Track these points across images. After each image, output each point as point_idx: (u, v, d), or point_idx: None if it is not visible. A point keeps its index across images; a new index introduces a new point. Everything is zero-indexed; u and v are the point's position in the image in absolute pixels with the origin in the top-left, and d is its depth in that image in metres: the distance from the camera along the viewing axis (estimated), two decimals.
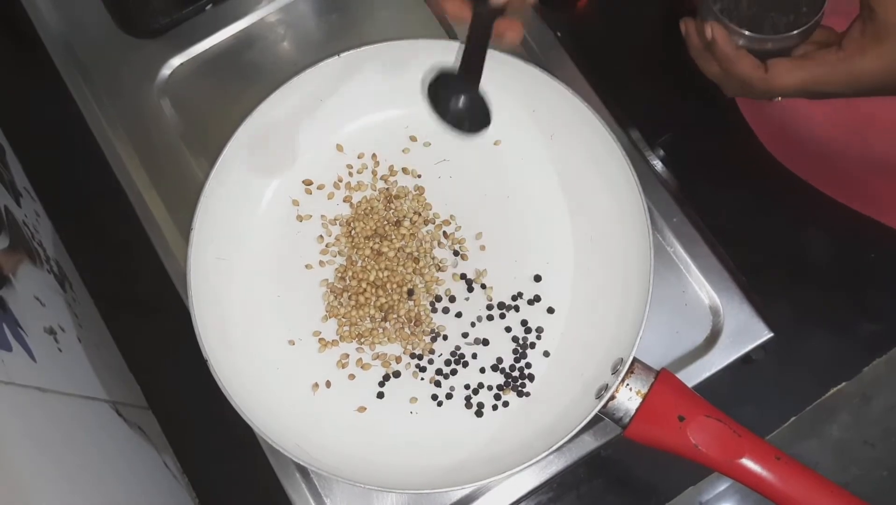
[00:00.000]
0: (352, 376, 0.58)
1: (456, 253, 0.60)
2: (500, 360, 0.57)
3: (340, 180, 0.62)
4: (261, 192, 0.61)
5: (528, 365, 0.57)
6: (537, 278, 0.59)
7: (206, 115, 0.64)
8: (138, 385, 0.63)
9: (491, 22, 0.48)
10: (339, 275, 0.59)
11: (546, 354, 0.57)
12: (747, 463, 0.48)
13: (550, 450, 0.50)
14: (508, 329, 0.58)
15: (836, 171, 0.60)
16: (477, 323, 0.58)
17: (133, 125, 0.64)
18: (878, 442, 0.98)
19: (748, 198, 0.63)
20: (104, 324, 0.64)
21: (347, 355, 0.58)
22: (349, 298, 0.59)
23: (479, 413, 0.57)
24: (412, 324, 0.58)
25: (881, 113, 0.58)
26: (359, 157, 0.62)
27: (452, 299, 0.59)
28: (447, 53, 0.59)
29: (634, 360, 0.52)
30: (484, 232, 0.60)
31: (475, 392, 0.57)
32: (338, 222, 0.61)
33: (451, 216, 0.60)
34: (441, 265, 0.59)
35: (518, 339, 0.58)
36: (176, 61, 0.66)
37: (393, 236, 0.60)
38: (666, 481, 0.59)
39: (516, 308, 0.58)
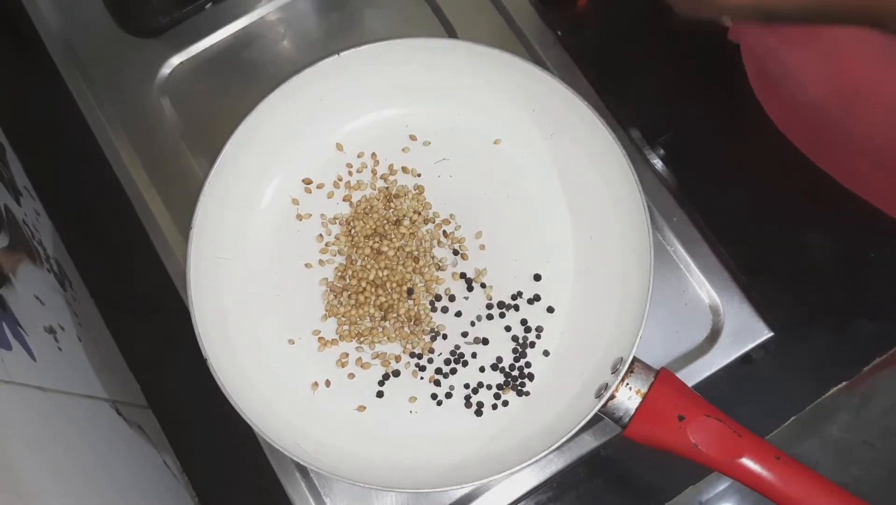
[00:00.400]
0: (351, 375, 0.58)
1: (456, 252, 0.60)
2: (499, 359, 0.57)
3: (340, 179, 0.62)
4: (261, 191, 0.61)
5: (528, 364, 0.57)
6: (537, 277, 0.59)
7: (206, 113, 0.64)
8: (138, 384, 0.63)
9: None
10: (339, 274, 0.59)
11: (546, 353, 0.57)
12: (747, 463, 0.48)
13: (550, 449, 0.51)
14: (508, 328, 0.58)
15: (834, 145, 0.59)
16: (477, 322, 0.58)
17: (133, 124, 0.64)
18: (877, 442, 0.98)
19: (749, 197, 0.63)
20: (104, 323, 0.64)
21: (347, 354, 0.58)
22: (349, 297, 0.59)
23: (478, 412, 0.57)
24: (412, 323, 0.58)
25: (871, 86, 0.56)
26: (358, 157, 0.62)
27: (452, 298, 0.59)
28: (447, 52, 0.59)
29: (634, 359, 0.52)
30: (484, 231, 0.60)
31: (475, 391, 0.57)
32: (337, 221, 0.61)
33: (451, 215, 0.60)
34: (441, 264, 0.59)
35: (518, 338, 0.58)
36: (176, 60, 0.66)
37: (393, 235, 0.60)
38: (666, 481, 0.59)
39: (516, 307, 0.58)
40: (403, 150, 0.62)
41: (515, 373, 0.57)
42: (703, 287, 0.59)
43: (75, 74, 0.65)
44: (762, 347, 0.58)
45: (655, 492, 0.59)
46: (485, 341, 0.58)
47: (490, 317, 0.58)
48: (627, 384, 0.51)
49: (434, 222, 0.60)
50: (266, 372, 0.57)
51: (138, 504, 0.56)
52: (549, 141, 0.60)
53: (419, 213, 0.60)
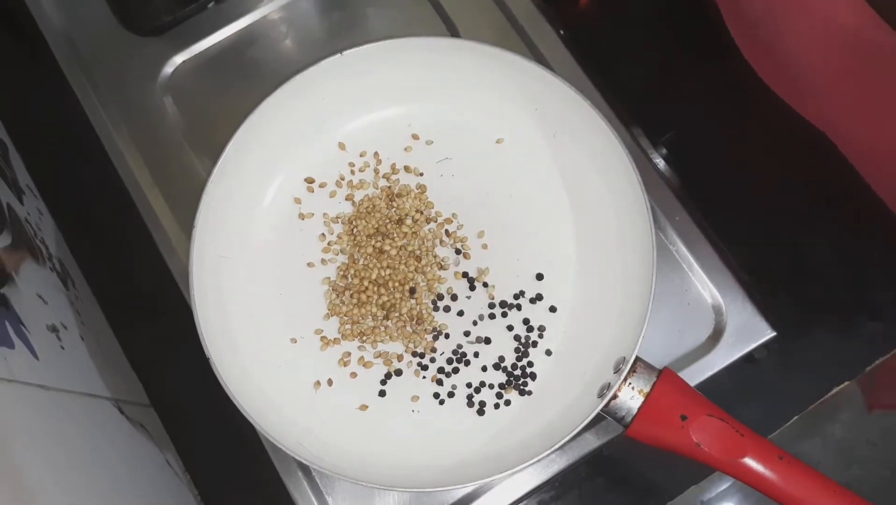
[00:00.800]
0: (353, 375, 0.58)
1: (458, 251, 0.60)
2: (501, 358, 0.57)
3: (342, 178, 0.62)
4: (263, 190, 0.61)
5: (530, 364, 0.57)
6: (539, 277, 0.59)
7: (209, 112, 0.64)
8: (140, 383, 0.63)
9: None
10: (341, 273, 0.59)
11: (548, 352, 0.57)
12: (750, 462, 0.48)
13: (552, 449, 0.50)
14: (510, 328, 0.58)
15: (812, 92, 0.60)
16: (479, 321, 0.58)
17: (135, 123, 0.64)
18: (879, 441, 0.98)
19: (751, 197, 0.63)
20: (106, 321, 0.64)
21: (349, 354, 0.58)
22: (351, 296, 0.59)
23: (480, 412, 0.57)
24: (414, 322, 0.58)
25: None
26: (361, 156, 0.62)
27: (454, 298, 0.59)
28: (449, 51, 0.59)
29: (637, 358, 0.52)
30: (486, 230, 0.60)
31: (477, 391, 0.57)
32: (340, 220, 0.61)
33: (454, 214, 0.60)
34: (443, 264, 0.59)
35: (520, 337, 0.58)
36: (178, 59, 0.66)
37: (395, 235, 0.60)
38: (668, 480, 0.59)
39: (518, 307, 0.58)
40: (406, 149, 0.62)
41: (517, 372, 0.57)
42: (706, 287, 0.59)
43: (78, 73, 0.65)
44: (765, 346, 0.58)
45: (657, 491, 0.59)
46: (487, 341, 0.58)
47: (492, 316, 0.58)
48: (630, 384, 0.51)
49: (436, 221, 0.60)
50: (268, 371, 0.57)
51: (140, 503, 0.56)
52: (552, 140, 0.60)
53: (421, 213, 0.60)
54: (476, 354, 0.58)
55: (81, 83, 0.65)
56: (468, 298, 0.59)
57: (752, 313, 0.58)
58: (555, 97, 0.58)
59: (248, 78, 0.65)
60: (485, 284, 0.59)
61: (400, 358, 0.58)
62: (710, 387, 0.57)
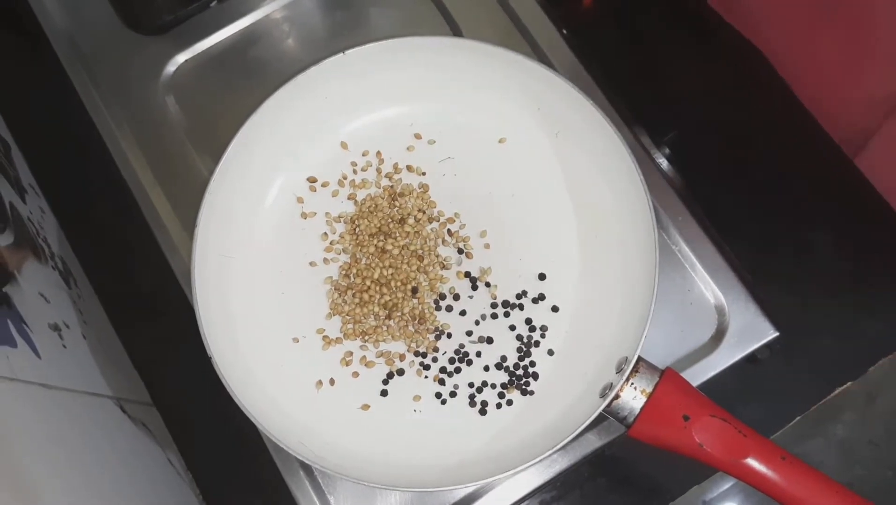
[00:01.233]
0: (356, 374, 0.58)
1: (460, 251, 0.60)
2: (504, 358, 0.57)
3: (345, 178, 0.62)
4: (265, 189, 0.61)
5: (533, 364, 0.57)
6: (542, 277, 0.59)
7: (211, 112, 0.64)
8: (142, 382, 0.63)
9: None
10: (344, 272, 0.59)
11: (550, 352, 0.57)
12: (752, 463, 0.48)
13: (554, 449, 0.50)
14: (513, 327, 0.58)
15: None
16: (481, 321, 0.58)
17: (138, 122, 0.64)
18: (882, 442, 0.98)
19: (754, 197, 0.63)
20: (108, 320, 0.64)
21: (351, 353, 0.58)
22: (353, 295, 0.59)
23: (482, 411, 0.56)
24: (416, 322, 0.58)
25: None
26: (363, 155, 0.62)
27: (457, 297, 0.59)
28: (452, 50, 0.59)
29: (639, 359, 0.52)
30: (488, 230, 0.60)
31: (479, 390, 0.57)
32: (342, 220, 0.61)
33: (456, 214, 0.60)
34: (445, 263, 0.59)
35: (522, 337, 0.58)
36: (181, 58, 0.66)
37: (397, 234, 0.60)
38: (670, 480, 0.59)
39: (521, 306, 0.58)
40: (408, 148, 0.62)
41: (520, 372, 0.57)
42: (709, 287, 0.59)
43: (80, 72, 0.65)
44: (767, 346, 0.58)
45: (659, 491, 0.59)
46: (489, 340, 0.58)
47: (494, 316, 0.58)
48: (632, 384, 0.51)
49: (439, 221, 0.60)
50: (270, 370, 0.57)
51: (142, 501, 0.56)
52: (554, 140, 0.60)
53: (424, 212, 0.60)
54: (478, 354, 0.58)
55: (84, 82, 0.65)
56: (470, 297, 0.59)
57: (755, 313, 0.58)
58: (557, 97, 0.58)
59: (250, 77, 0.65)
60: (487, 284, 0.59)
61: (402, 358, 0.58)
62: (713, 387, 0.56)
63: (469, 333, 0.58)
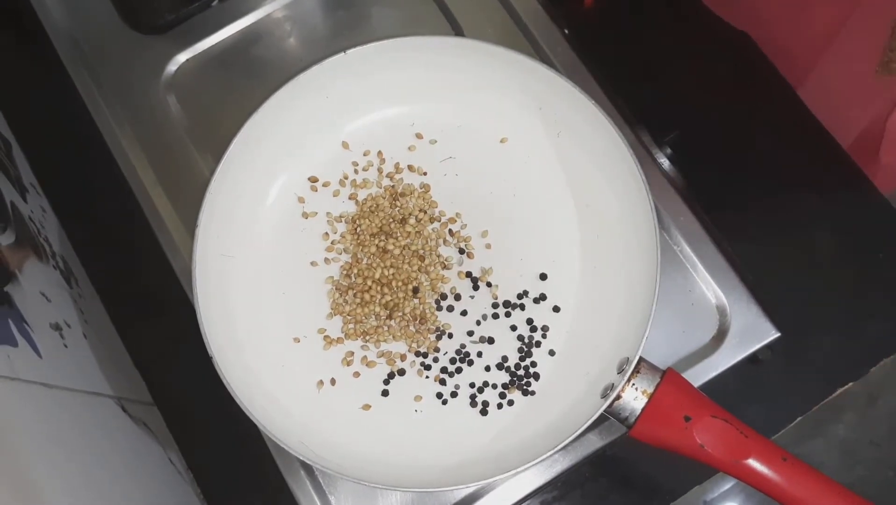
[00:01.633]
0: (357, 374, 0.58)
1: (461, 251, 0.60)
2: (505, 358, 0.57)
3: (346, 177, 0.61)
4: (266, 189, 0.61)
5: (534, 364, 0.57)
6: (543, 277, 0.58)
7: (212, 111, 0.64)
8: (143, 381, 0.63)
9: None
10: (345, 272, 0.59)
11: (552, 352, 0.57)
12: (753, 464, 0.48)
13: (555, 449, 0.50)
14: (514, 328, 0.58)
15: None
16: (482, 321, 0.58)
17: (139, 121, 0.64)
18: (883, 442, 0.98)
19: (756, 197, 0.63)
20: (109, 320, 0.64)
21: (352, 353, 0.58)
22: (354, 295, 0.59)
23: (483, 412, 0.56)
24: (417, 322, 0.58)
25: None
26: (364, 155, 0.62)
27: (458, 297, 0.59)
28: (453, 50, 0.59)
29: (640, 359, 0.52)
30: (490, 230, 0.60)
31: (480, 391, 0.57)
32: (343, 220, 0.61)
33: (457, 214, 0.60)
34: (446, 263, 0.59)
35: (523, 337, 0.58)
36: (182, 57, 0.66)
37: (398, 234, 0.59)
38: (671, 481, 0.59)
39: (522, 306, 0.58)
40: (409, 148, 0.62)
41: (521, 372, 0.57)
42: (710, 287, 0.59)
43: (81, 71, 0.65)
44: (769, 347, 0.58)
45: (660, 492, 0.59)
46: (490, 340, 0.58)
47: (496, 316, 0.58)
48: (633, 384, 0.51)
49: (440, 221, 0.60)
50: (271, 370, 0.57)
51: (143, 501, 0.56)
52: (556, 139, 0.60)
53: (425, 212, 0.60)
54: (479, 354, 0.58)
55: (85, 81, 0.65)
56: (471, 297, 0.59)
57: (757, 314, 0.58)
58: (559, 97, 0.58)
59: (251, 76, 0.65)
60: (488, 284, 0.59)
61: (403, 358, 0.58)
62: (714, 388, 0.56)
63: (470, 334, 0.58)
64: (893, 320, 0.61)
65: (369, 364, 0.58)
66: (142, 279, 0.64)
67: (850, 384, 0.60)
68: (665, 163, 0.62)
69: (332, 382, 0.58)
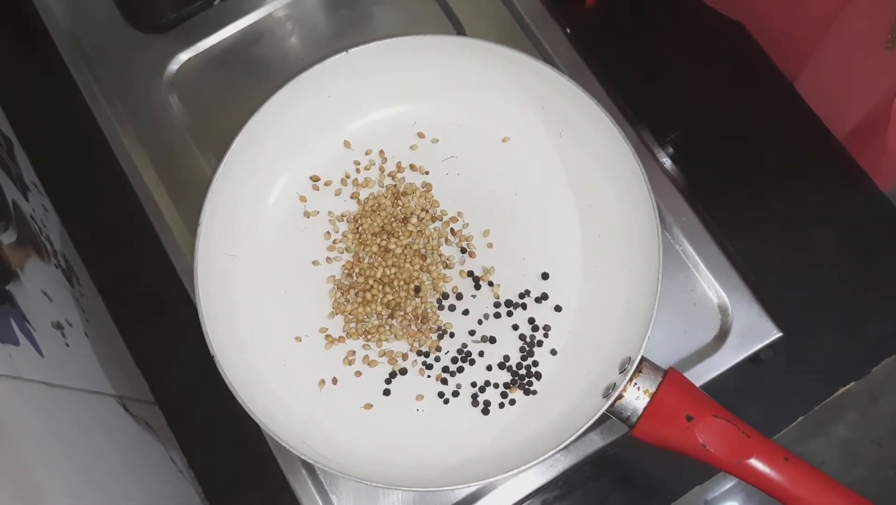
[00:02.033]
0: (358, 373, 0.58)
1: (463, 250, 0.60)
2: (506, 358, 0.57)
3: (348, 177, 0.61)
4: (268, 188, 0.61)
5: (536, 363, 0.57)
6: (545, 276, 0.58)
7: (214, 110, 0.64)
8: (145, 380, 0.63)
9: None
10: (346, 271, 0.59)
11: (553, 352, 0.57)
12: (755, 463, 0.48)
13: (557, 448, 0.50)
14: (516, 327, 0.58)
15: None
16: (484, 321, 0.58)
17: (140, 120, 0.64)
18: (885, 442, 0.98)
19: (758, 197, 0.63)
20: (111, 319, 0.64)
21: (354, 352, 0.58)
22: (356, 294, 0.59)
23: (485, 411, 0.56)
24: (419, 321, 0.58)
25: None
26: (366, 154, 0.62)
27: (459, 297, 0.59)
28: (455, 49, 0.59)
29: (642, 359, 0.52)
30: (491, 229, 0.60)
31: (482, 390, 0.57)
32: (345, 219, 0.61)
33: (459, 213, 0.60)
34: (448, 262, 0.59)
35: (525, 337, 0.58)
36: (184, 56, 0.66)
37: (400, 233, 0.59)
38: (672, 480, 0.59)
39: (524, 306, 0.58)
40: (411, 147, 0.62)
41: (523, 372, 0.57)
42: (712, 286, 0.59)
43: (83, 70, 0.65)
44: (771, 347, 0.57)
45: (662, 491, 0.59)
46: (492, 340, 0.58)
47: (497, 315, 0.58)
48: (635, 384, 0.51)
49: (442, 220, 0.60)
50: (273, 369, 0.57)
51: (144, 500, 0.56)
52: (558, 139, 0.60)
53: (427, 211, 0.60)
54: (481, 354, 0.58)
55: (87, 80, 0.65)
56: (473, 297, 0.59)
57: (759, 314, 0.58)
58: (561, 96, 0.58)
59: (253, 76, 0.65)
60: (490, 283, 0.59)
61: (405, 357, 0.58)
62: (716, 387, 0.56)
63: (472, 333, 0.58)
64: (894, 320, 0.61)
65: (371, 363, 0.58)
66: (143, 278, 0.64)
67: (852, 384, 0.60)
68: (667, 162, 0.62)
69: (334, 381, 0.58)
